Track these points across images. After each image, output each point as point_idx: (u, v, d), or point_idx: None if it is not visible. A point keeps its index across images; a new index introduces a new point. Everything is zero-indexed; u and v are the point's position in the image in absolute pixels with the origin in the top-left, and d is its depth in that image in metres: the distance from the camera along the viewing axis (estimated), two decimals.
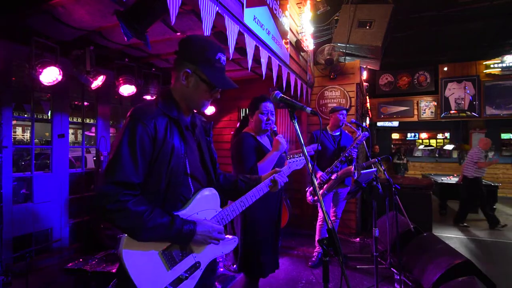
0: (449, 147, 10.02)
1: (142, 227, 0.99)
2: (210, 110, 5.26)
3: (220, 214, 1.23)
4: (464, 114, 8.76)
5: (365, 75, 6.47)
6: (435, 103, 9.20)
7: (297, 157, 1.58)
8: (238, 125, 2.33)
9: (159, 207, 1.07)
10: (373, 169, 2.83)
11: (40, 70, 2.76)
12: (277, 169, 1.45)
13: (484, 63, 8.55)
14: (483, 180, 6.64)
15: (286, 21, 3.66)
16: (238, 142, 2.06)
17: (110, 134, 4.54)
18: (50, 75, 2.85)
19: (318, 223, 3.53)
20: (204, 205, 1.18)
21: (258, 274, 2.08)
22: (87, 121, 4.98)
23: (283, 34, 3.53)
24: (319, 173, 3.32)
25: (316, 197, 3.32)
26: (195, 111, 1.27)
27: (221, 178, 1.42)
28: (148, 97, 4.16)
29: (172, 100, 1.17)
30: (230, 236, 1.27)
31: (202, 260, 1.18)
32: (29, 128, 5.33)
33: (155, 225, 1.01)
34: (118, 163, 1.00)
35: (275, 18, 3.26)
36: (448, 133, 11.29)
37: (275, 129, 2.09)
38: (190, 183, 1.17)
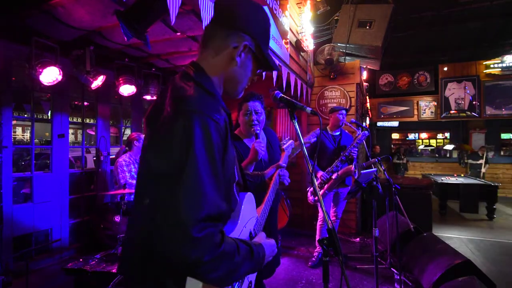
0: (449, 147, 10.01)
1: (235, 271, 0.72)
2: None
3: (259, 221, 1.06)
4: (464, 114, 8.76)
5: (365, 75, 6.47)
6: (435, 103, 9.20)
7: (285, 142, 1.56)
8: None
9: None
10: (373, 169, 2.83)
11: (40, 70, 2.76)
12: (279, 163, 1.35)
13: (484, 63, 8.55)
14: (483, 180, 6.66)
15: (286, 21, 3.66)
16: None
17: (111, 134, 4.54)
18: (50, 75, 2.85)
19: (318, 223, 3.53)
20: (247, 215, 0.98)
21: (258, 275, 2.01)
22: (87, 121, 4.99)
23: (283, 34, 3.53)
24: (320, 173, 3.32)
25: (317, 197, 3.33)
26: None
27: None
28: (148, 97, 4.15)
29: (215, 86, 0.85)
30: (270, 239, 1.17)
31: (253, 278, 1.05)
32: (29, 128, 5.33)
33: (243, 262, 0.74)
34: (199, 189, 0.65)
35: (275, 18, 3.27)
36: (448, 133, 11.29)
37: (258, 132, 1.86)
38: (235, 192, 0.91)
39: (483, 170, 8.11)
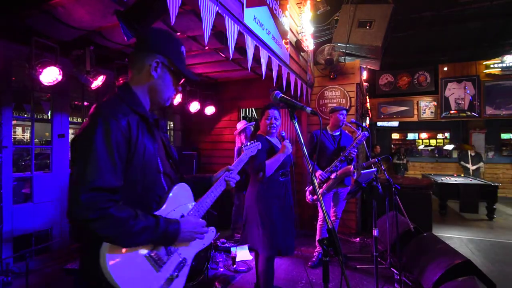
0: (449, 147, 9.99)
1: (128, 233, 0.93)
2: (210, 110, 5.26)
3: (196, 207, 1.23)
4: (464, 114, 8.75)
5: (365, 75, 6.47)
6: (435, 103, 9.20)
7: (251, 145, 1.72)
8: (253, 130, 2.74)
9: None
10: (373, 169, 2.83)
11: (40, 70, 2.76)
12: (229, 166, 1.46)
13: (484, 63, 8.54)
14: (483, 180, 6.66)
15: (286, 21, 3.66)
16: None
17: None
18: (50, 75, 2.85)
19: (318, 223, 3.53)
20: (179, 201, 1.17)
21: (274, 252, 2.40)
22: None
23: (283, 34, 3.53)
24: (319, 172, 3.32)
25: (315, 197, 3.33)
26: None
27: None
28: None
29: (135, 95, 1.11)
30: (209, 228, 1.28)
31: (187, 256, 1.17)
32: (29, 128, 5.33)
33: (141, 229, 0.95)
34: (95, 166, 0.90)
35: (275, 18, 3.26)
36: (448, 133, 11.28)
37: (283, 134, 2.50)
38: (163, 181, 1.13)
39: (471, 167, 8.19)
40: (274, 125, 2.49)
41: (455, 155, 10.49)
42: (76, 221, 0.89)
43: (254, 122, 4.23)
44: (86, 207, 0.87)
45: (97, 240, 0.94)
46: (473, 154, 8.23)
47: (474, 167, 8.15)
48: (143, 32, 1.18)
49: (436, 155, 10.89)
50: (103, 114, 0.96)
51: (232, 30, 2.33)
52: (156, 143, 1.12)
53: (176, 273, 1.10)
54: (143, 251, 1.02)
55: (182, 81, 1.21)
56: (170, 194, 1.13)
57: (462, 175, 7.72)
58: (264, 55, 2.93)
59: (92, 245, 0.95)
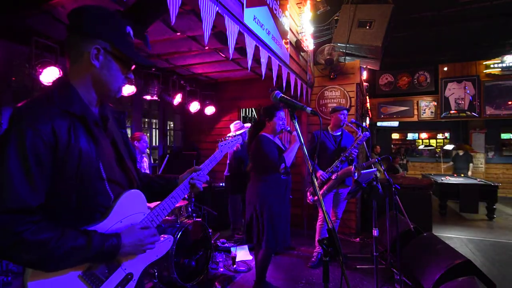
0: (449, 147, 9.99)
1: (51, 257, 0.81)
2: (210, 110, 5.26)
3: (149, 216, 1.08)
4: (464, 114, 8.75)
5: (365, 75, 6.47)
6: (435, 103, 9.19)
7: (229, 139, 1.54)
8: (252, 128, 2.86)
9: (72, 226, 0.88)
10: (373, 169, 2.83)
11: (40, 70, 2.76)
12: (196, 167, 1.29)
13: (484, 63, 8.54)
14: (483, 180, 6.66)
15: (286, 21, 3.66)
16: (260, 142, 2.58)
17: None
18: (50, 75, 2.85)
19: (318, 223, 3.53)
20: (128, 210, 1.03)
21: (274, 246, 2.56)
22: None
23: (283, 34, 3.53)
24: (319, 172, 3.32)
25: (316, 197, 3.33)
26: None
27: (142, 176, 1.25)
28: (148, 97, 4.16)
29: (72, 91, 0.93)
30: (165, 236, 1.16)
31: (135, 270, 1.04)
32: None
33: (68, 251, 0.83)
34: (7, 184, 0.77)
35: (275, 18, 3.26)
36: (448, 133, 11.28)
37: (288, 128, 2.70)
38: (108, 189, 0.97)
39: (443, 166, 8.38)
40: (283, 126, 2.69)
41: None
42: None
43: (250, 125, 4.21)
44: None
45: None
46: (461, 154, 8.19)
47: (445, 165, 8.19)
48: (77, 10, 0.93)
49: (436, 155, 10.88)
50: (20, 121, 0.82)
51: (232, 30, 2.34)
52: (99, 147, 0.95)
53: None
54: (76, 272, 0.90)
55: (133, 67, 1.04)
56: (116, 204, 0.99)
57: (462, 175, 7.71)
58: (264, 55, 2.93)
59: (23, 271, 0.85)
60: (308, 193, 3.42)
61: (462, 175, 7.50)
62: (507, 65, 8.20)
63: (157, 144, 5.72)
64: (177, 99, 4.49)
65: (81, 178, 0.89)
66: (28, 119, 0.82)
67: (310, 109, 1.28)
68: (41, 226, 0.82)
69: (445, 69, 8.98)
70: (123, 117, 1.18)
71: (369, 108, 8.34)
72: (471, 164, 8.02)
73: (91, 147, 0.92)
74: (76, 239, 0.85)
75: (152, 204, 1.16)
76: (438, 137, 11.52)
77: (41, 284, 0.85)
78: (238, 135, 1.62)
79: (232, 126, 4.25)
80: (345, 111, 3.49)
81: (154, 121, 5.91)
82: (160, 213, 1.11)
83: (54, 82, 0.97)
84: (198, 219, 3.07)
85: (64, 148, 0.86)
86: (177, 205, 3.03)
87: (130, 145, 1.17)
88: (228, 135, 1.60)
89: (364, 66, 5.75)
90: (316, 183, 1.22)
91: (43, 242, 0.80)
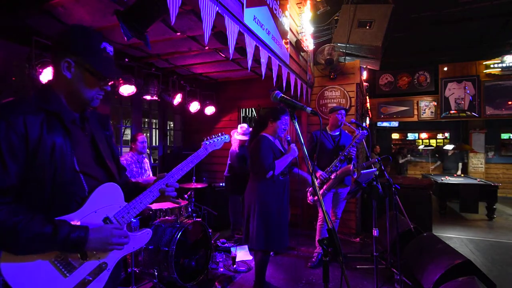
0: (449, 147, 9.99)
1: (15, 241, 0.88)
2: (210, 110, 5.26)
3: (125, 208, 1.13)
4: (464, 114, 8.74)
5: (365, 75, 6.47)
6: (435, 103, 9.19)
7: (215, 138, 1.59)
8: (254, 127, 2.84)
9: (46, 213, 0.96)
10: (373, 169, 2.83)
11: (40, 70, 2.76)
12: (164, 173, 1.28)
13: (484, 63, 8.53)
14: (483, 180, 6.66)
15: (286, 21, 3.66)
16: (259, 143, 2.59)
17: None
18: (50, 75, 2.84)
19: (318, 223, 3.53)
20: (104, 202, 1.08)
21: (270, 247, 2.57)
22: None
23: (283, 34, 3.53)
24: (319, 172, 3.32)
25: (316, 197, 3.33)
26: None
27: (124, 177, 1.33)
28: (148, 97, 4.16)
29: (51, 93, 1.06)
30: (143, 230, 1.21)
31: (110, 259, 1.08)
32: None
33: (31, 237, 0.89)
34: None
35: (275, 18, 3.26)
36: (448, 133, 11.28)
37: (289, 139, 2.71)
38: (83, 181, 1.06)
39: (431, 167, 8.30)
40: (285, 132, 2.74)
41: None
42: None
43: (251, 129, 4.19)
44: None
45: None
46: (449, 154, 8.19)
47: (433, 166, 8.18)
48: (63, 29, 1.09)
49: (436, 155, 10.88)
50: None
51: (232, 30, 2.34)
52: (75, 142, 1.05)
53: (90, 278, 1.03)
54: (48, 257, 0.96)
55: (110, 81, 1.15)
56: (92, 195, 1.06)
57: (463, 175, 7.71)
58: (264, 55, 2.93)
59: None
60: (308, 193, 3.42)
61: (455, 175, 7.51)
62: (507, 65, 8.20)
63: (157, 144, 5.72)
64: (177, 99, 4.49)
65: (55, 167, 0.98)
66: (3, 113, 0.94)
67: (310, 109, 1.28)
68: (12, 208, 0.90)
69: (445, 69, 8.98)
70: (107, 120, 1.29)
71: (369, 108, 8.34)
72: (460, 164, 8.00)
73: (66, 141, 1.02)
74: (44, 226, 0.91)
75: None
76: (438, 137, 11.52)
77: (13, 266, 0.90)
78: (224, 134, 1.67)
79: (238, 129, 4.27)
80: (343, 111, 3.49)
81: (154, 121, 5.92)
82: (137, 206, 1.16)
83: (37, 88, 1.11)
84: (198, 219, 3.07)
85: (36, 139, 0.95)
86: (177, 205, 3.05)
87: (114, 146, 1.27)
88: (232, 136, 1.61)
89: (364, 66, 5.75)
90: (315, 183, 1.22)
91: (9, 225, 0.87)
